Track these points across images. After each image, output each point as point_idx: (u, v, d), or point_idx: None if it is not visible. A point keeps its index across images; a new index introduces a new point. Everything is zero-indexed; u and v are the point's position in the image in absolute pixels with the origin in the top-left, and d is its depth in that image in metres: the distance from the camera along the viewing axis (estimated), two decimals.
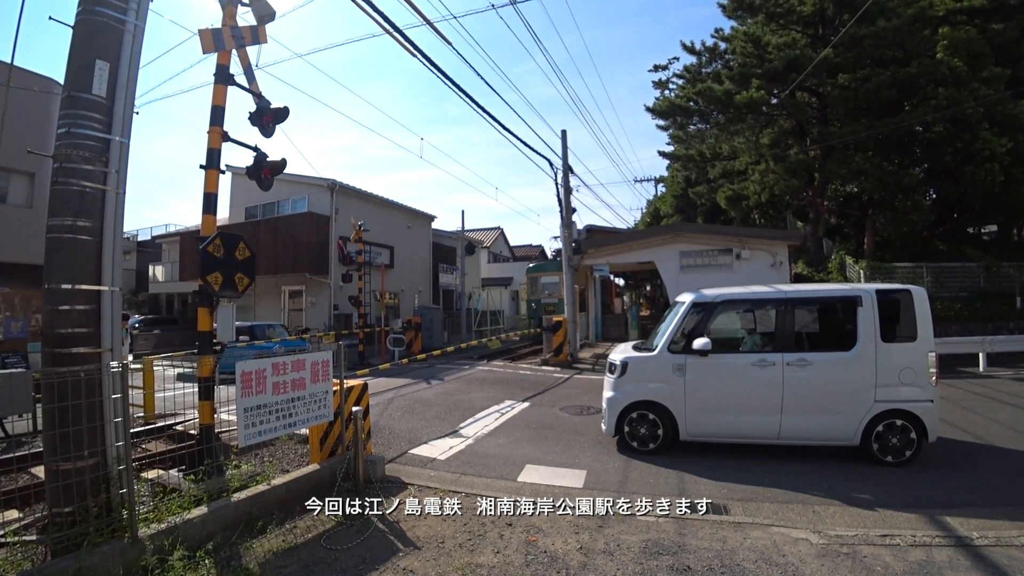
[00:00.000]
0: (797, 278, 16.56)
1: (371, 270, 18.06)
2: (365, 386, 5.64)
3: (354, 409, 4.99)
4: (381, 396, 9.88)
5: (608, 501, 4.66)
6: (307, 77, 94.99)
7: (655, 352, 6.19)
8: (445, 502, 4.63)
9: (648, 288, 30.07)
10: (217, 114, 5.15)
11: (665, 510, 4.50)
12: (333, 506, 4.48)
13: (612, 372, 6.39)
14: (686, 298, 6.37)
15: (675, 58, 27.94)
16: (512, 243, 43.33)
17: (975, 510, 4.47)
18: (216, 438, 5.08)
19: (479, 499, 4.72)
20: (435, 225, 27.34)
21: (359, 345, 15.99)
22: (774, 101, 17.97)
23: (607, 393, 6.39)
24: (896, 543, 3.86)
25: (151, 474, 5.01)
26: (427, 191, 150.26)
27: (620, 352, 6.64)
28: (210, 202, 5.12)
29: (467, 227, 25.89)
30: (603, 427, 6.46)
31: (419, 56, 8.77)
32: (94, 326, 3.83)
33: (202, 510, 4.00)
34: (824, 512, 4.54)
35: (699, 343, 5.86)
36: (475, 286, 28.96)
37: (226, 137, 5.20)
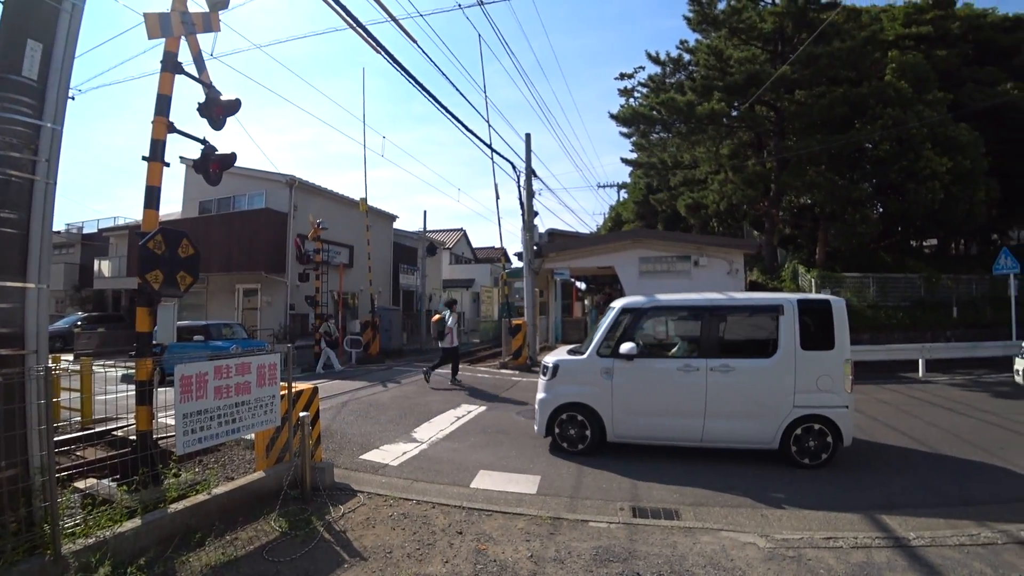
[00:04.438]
0: (752, 286, 17.01)
1: (329, 269, 17.66)
2: (315, 390, 5.46)
3: (301, 414, 4.82)
4: (335, 399, 9.64)
5: (561, 507, 4.64)
6: (269, 70, 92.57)
7: (584, 356, 6.34)
8: (395, 510, 4.52)
9: (608, 291, 30.45)
10: (163, 103, 4.90)
11: (617, 516, 4.51)
12: (278, 516, 4.31)
13: (544, 374, 6.52)
14: (618, 304, 6.51)
15: (641, 67, 28.35)
16: (474, 244, 43.18)
17: (913, 511, 4.64)
18: (155, 445, 4.82)
19: (430, 506, 4.63)
20: (397, 225, 26.96)
21: (315, 347, 15.60)
22: (734, 113, 18.42)
23: (539, 394, 6.51)
24: (839, 545, 3.97)
25: (85, 483, 4.71)
26: (390, 191, 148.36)
27: (554, 355, 6.77)
28: (152, 196, 4.85)
29: (429, 228, 25.62)
30: (535, 428, 6.54)
31: (383, 53, 8.62)
32: (18, 326, 3.58)
33: (135, 523, 3.78)
34: (772, 515, 4.63)
35: (625, 347, 6.01)
36: (436, 287, 28.72)
37: (172, 128, 4.96)
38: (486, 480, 5.51)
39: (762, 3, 18.45)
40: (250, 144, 23.72)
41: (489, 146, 14.26)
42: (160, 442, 5.34)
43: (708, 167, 20.41)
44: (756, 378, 5.87)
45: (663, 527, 4.32)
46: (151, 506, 4.08)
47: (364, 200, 17.69)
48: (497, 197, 17.19)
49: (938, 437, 7.08)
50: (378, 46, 8.38)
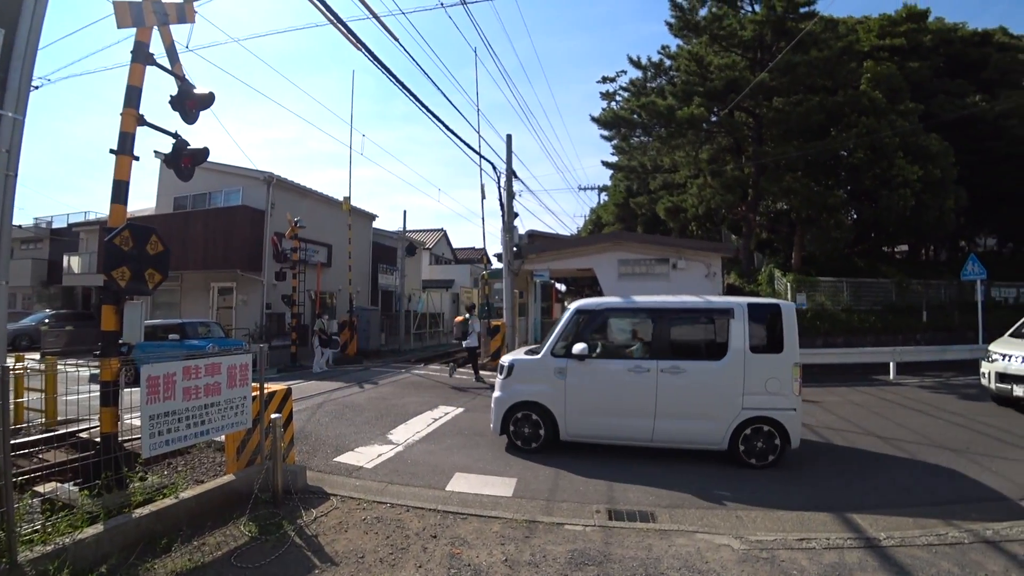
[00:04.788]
0: (730, 289, 17.23)
1: (306, 268, 17.40)
2: (288, 391, 5.35)
3: (273, 416, 4.71)
4: (310, 400, 9.50)
5: (536, 510, 4.61)
6: (248, 65, 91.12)
7: (539, 356, 6.41)
8: (368, 513, 4.44)
9: (587, 292, 30.62)
10: (132, 95, 4.76)
11: (592, 519, 4.50)
12: (248, 520, 4.20)
13: (501, 373, 6.58)
14: (573, 305, 6.59)
15: (623, 71, 28.49)
16: (455, 245, 42.96)
17: (883, 511, 4.72)
18: (120, 447, 4.67)
19: (405, 510, 4.57)
20: (376, 224, 26.69)
21: (291, 346, 15.36)
22: (713, 119, 18.65)
23: (495, 393, 6.57)
24: (812, 546, 4.00)
25: (47, 487, 4.54)
26: (370, 190, 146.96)
27: (511, 355, 6.83)
28: (120, 190, 4.70)
29: (409, 228, 25.38)
30: (491, 426, 6.58)
31: (363, 50, 8.51)
32: None
33: (97, 528, 3.64)
34: (747, 517, 4.67)
35: (577, 348, 6.11)
36: (415, 287, 28.52)
37: (142, 121, 4.81)
38: (462, 483, 5.45)
39: (742, 11, 18.73)
40: (227, 139, 23.33)
41: (478, 152, 14.27)
42: (126, 444, 5.19)
43: (687, 171, 20.64)
44: (706, 380, 5.96)
45: (638, 529, 4.32)
46: (115, 511, 3.95)
47: (347, 199, 17.52)
48: (483, 197, 17.14)
49: (908, 438, 7.23)
50: (359, 43, 8.28)
